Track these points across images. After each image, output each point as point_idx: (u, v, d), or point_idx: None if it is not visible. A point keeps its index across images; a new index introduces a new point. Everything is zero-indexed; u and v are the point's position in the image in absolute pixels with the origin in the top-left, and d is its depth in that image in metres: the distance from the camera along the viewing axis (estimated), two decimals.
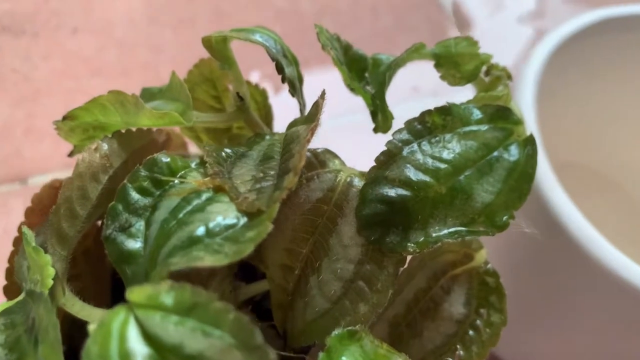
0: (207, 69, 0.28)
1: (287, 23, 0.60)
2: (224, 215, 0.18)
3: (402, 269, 0.23)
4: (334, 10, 0.62)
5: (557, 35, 0.38)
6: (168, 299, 0.16)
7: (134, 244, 0.19)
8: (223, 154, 0.22)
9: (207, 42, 0.25)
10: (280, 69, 0.24)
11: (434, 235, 0.23)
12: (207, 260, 0.17)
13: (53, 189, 0.27)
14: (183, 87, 0.25)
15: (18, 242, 0.27)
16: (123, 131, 0.24)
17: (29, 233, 0.22)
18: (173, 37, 0.59)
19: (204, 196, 0.19)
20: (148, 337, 0.16)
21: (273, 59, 0.24)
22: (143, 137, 0.25)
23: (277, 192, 0.18)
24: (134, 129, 0.25)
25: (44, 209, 0.27)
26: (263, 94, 0.28)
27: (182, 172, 0.20)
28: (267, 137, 0.24)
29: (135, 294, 0.16)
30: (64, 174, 0.52)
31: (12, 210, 0.50)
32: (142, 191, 0.20)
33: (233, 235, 0.18)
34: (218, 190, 0.20)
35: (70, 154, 0.28)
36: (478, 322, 0.26)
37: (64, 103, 0.55)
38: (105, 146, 0.24)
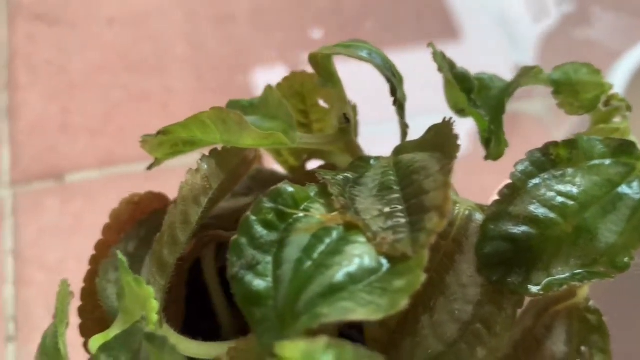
0: (298, 82, 0.26)
1: (328, 22, 0.58)
2: (364, 258, 0.17)
3: (519, 311, 0.22)
4: (376, 10, 0.61)
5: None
6: (327, 358, 0.14)
7: (263, 284, 0.17)
8: (341, 180, 0.20)
9: (313, 59, 0.23)
10: (394, 91, 0.22)
11: (557, 277, 0.21)
12: (359, 313, 0.15)
13: (132, 205, 0.26)
14: (283, 105, 0.23)
15: (96, 261, 0.25)
16: (219, 149, 0.23)
17: (124, 260, 0.20)
18: (212, 33, 0.57)
19: (335, 234, 0.18)
20: None
21: (387, 80, 0.22)
22: (238, 155, 0.24)
23: (423, 235, 0.17)
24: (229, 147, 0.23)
25: (122, 226, 0.26)
26: (355, 114, 0.27)
27: (305, 203, 0.19)
28: (372, 161, 0.23)
29: (289, 350, 0.15)
30: (101, 172, 0.50)
31: (47, 208, 0.48)
32: (267, 225, 0.18)
33: (379, 284, 0.16)
34: (348, 226, 0.18)
35: (150, 167, 0.26)
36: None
37: (100, 98, 0.53)
38: (205, 167, 0.22)
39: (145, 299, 0.19)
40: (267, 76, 0.55)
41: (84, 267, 0.49)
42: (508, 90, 0.24)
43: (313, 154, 0.29)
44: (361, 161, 0.23)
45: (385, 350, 0.22)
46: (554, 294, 0.25)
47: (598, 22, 0.62)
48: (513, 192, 0.21)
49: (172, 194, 0.25)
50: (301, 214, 0.19)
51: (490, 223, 0.21)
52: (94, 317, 0.25)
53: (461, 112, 0.24)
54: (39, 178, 0.49)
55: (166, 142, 0.24)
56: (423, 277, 0.16)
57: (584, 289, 0.26)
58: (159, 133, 0.23)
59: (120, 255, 0.21)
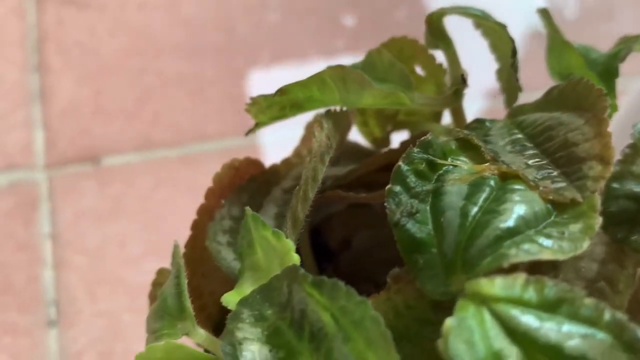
0: (396, 48, 0.26)
1: (361, 8, 0.58)
2: (532, 204, 0.17)
3: None
4: None
5: None
6: (528, 293, 0.14)
7: (424, 231, 0.17)
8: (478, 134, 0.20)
9: (428, 20, 0.23)
10: (514, 51, 0.22)
11: None
12: (545, 253, 0.15)
13: (232, 169, 0.25)
14: (397, 66, 0.23)
15: (198, 226, 0.25)
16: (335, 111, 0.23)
17: (257, 215, 0.20)
18: (243, 18, 0.56)
19: (493, 182, 0.18)
20: (513, 334, 0.14)
21: (509, 39, 0.22)
22: (348, 119, 0.24)
23: (590, 181, 0.17)
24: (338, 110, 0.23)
25: (223, 191, 0.25)
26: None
27: (452, 156, 0.19)
28: (487, 123, 0.23)
29: (486, 286, 0.15)
30: (138, 155, 0.49)
31: (84, 192, 0.47)
32: (419, 174, 0.18)
33: (554, 228, 0.16)
34: (503, 176, 0.18)
35: (250, 132, 0.26)
36: None
37: (133, 82, 0.52)
38: (327, 125, 0.22)
39: (285, 252, 0.19)
40: (299, 61, 0.55)
41: (125, 250, 0.48)
42: (618, 54, 0.24)
43: (398, 125, 0.29)
44: (477, 123, 0.23)
45: None
46: None
47: (620, 15, 0.64)
48: (635, 151, 0.22)
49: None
50: (451, 166, 0.18)
51: (615, 182, 0.21)
52: (194, 284, 0.24)
53: (567, 78, 0.25)
54: (74, 161, 0.48)
55: (276, 104, 0.23)
56: (599, 221, 0.16)
57: None
58: (277, 93, 0.22)
59: (251, 212, 0.20)
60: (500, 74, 0.25)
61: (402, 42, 0.26)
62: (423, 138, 0.19)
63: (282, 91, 0.22)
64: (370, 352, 0.15)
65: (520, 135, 0.21)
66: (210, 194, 0.25)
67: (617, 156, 0.22)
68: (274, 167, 0.26)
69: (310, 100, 0.23)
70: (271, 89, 0.23)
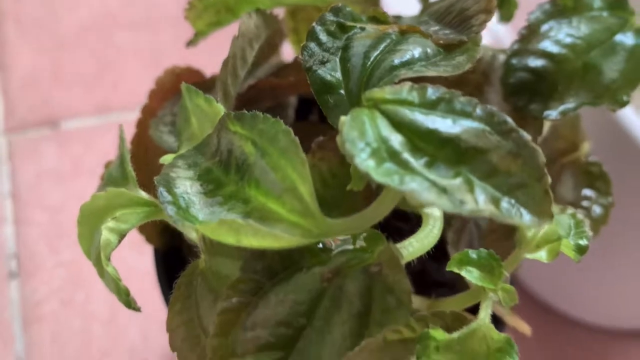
0: None
1: None
2: (425, 46, 0.19)
3: (539, 138, 0.25)
4: None
5: None
6: (412, 95, 0.17)
7: (333, 77, 0.19)
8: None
9: None
10: None
11: (569, 105, 0.24)
12: (430, 72, 0.18)
13: (174, 75, 0.27)
14: None
15: (141, 124, 0.27)
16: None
17: (192, 87, 0.22)
18: None
19: (394, 35, 0.20)
20: (398, 125, 0.16)
21: None
22: (275, 23, 0.26)
23: (475, 27, 0.19)
24: (268, 12, 0.26)
25: (166, 94, 0.27)
26: None
27: (360, 22, 0.21)
28: (402, 17, 0.25)
29: (378, 93, 0.17)
30: (97, 119, 0.51)
31: (44, 154, 0.48)
32: (331, 34, 0.20)
33: (443, 60, 0.19)
34: (403, 31, 0.20)
35: (190, 43, 0.28)
36: (586, 203, 0.28)
37: (92, 56, 0.54)
38: (255, 17, 0.24)
39: (215, 115, 0.21)
40: None
41: None
42: None
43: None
44: (395, 17, 0.25)
45: None
46: (559, 147, 0.28)
47: None
48: (530, 32, 0.25)
49: None
50: (358, 29, 0.21)
51: (513, 58, 0.24)
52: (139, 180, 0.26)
53: None
54: (34, 126, 0.50)
55: (211, 7, 0.26)
56: (480, 52, 0.19)
57: (585, 145, 0.29)
58: None
59: (187, 85, 0.22)
60: None
61: None
62: (334, 5, 0.21)
63: None
64: (282, 160, 0.17)
65: (426, 18, 0.24)
66: (152, 95, 0.27)
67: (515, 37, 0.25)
68: (215, 76, 0.28)
69: (241, 2, 0.25)
70: None
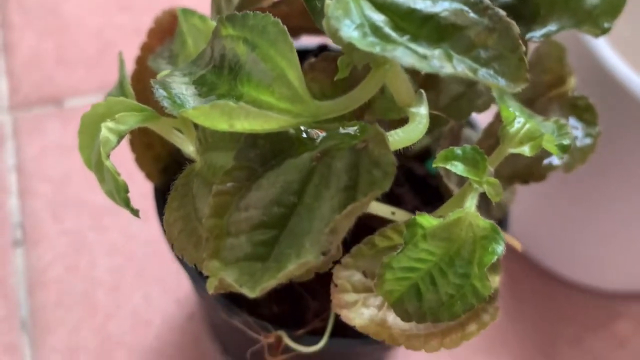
0: None
1: None
2: None
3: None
4: None
5: None
6: None
7: None
8: None
9: None
10: None
11: (552, 28, 0.25)
12: None
13: (172, 16, 0.28)
14: None
15: (141, 61, 0.28)
16: None
17: (188, 9, 0.23)
18: None
19: None
20: (381, 7, 0.17)
21: None
22: None
23: None
24: None
25: (163, 32, 0.28)
26: None
27: None
28: None
29: None
30: (100, 96, 0.52)
31: (47, 130, 0.49)
32: None
33: None
34: None
35: None
36: (576, 133, 0.28)
37: (95, 36, 0.55)
38: None
39: (210, 31, 0.22)
40: None
41: (89, 178, 0.50)
42: None
43: None
44: None
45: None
46: (546, 80, 0.29)
47: None
48: None
49: None
50: None
51: None
52: None
53: None
54: (38, 104, 0.51)
55: None
56: None
57: (572, 79, 0.30)
58: None
59: (182, 9, 0.23)
60: None
61: None
62: None
63: None
64: (272, 50, 0.18)
65: None
66: (151, 33, 0.28)
67: None
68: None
69: None
70: None
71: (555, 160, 0.28)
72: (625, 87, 0.34)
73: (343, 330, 0.25)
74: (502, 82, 0.16)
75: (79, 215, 0.46)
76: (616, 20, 0.27)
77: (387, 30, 0.17)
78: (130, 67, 0.30)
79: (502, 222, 0.30)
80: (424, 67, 0.16)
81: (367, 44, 0.16)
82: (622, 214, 0.41)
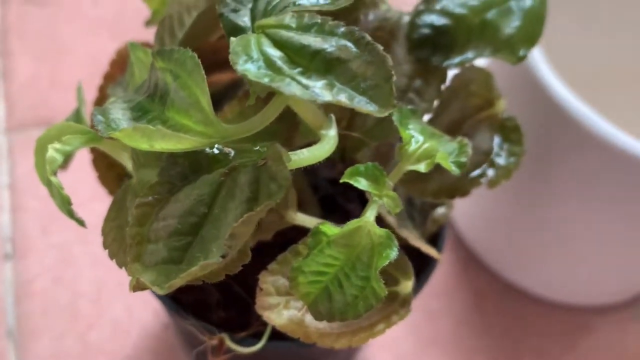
0: None
1: None
2: None
3: (443, 87, 0.28)
4: None
5: None
6: (291, 21, 0.20)
7: (243, 21, 0.23)
8: None
9: None
10: None
11: (467, 56, 0.28)
12: (313, 8, 0.21)
13: None
14: None
15: (102, 90, 0.31)
16: None
17: (135, 44, 0.26)
18: None
19: None
20: (278, 44, 0.20)
21: None
22: None
23: None
24: None
25: (124, 63, 0.31)
26: None
27: None
28: None
29: (264, 21, 0.21)
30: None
31: None
32: None
33: (329, 2, 0.22)
34: None
35: (149, 22, 0.32)
36: (502, 153, 0.31)
37: (88, 62, 0.59)
38: None
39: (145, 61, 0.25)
40: None
41: (76, 195, 0.53)
42: None
43: None
44: None
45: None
46: (473, 103, 0.32)
47: None
48: None
49: None
50: None
51: (417, 17, 0.28)
52: None
53: None
54: (32, 126, 0.54)
55: None
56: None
57: (500, 102, 0.32)
58: None
59: (133, 43, 0.26)
60: None
61: None
62: None
63: None
64: (189, 80, 0.21)
65: None
66: (113, 64, 0.31)
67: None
68: None
69: None
70: None
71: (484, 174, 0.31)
72: (560, 106, 0.36)
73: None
74: (374, 108, 0.18)
75: (66, 230, 0.49)
76: (533, 48, 0.29)
77: (280, 64, 0.19)
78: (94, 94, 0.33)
79: (439, 234, 0.32)
80: (304, 96, 0.18)
81: (257, 75, 0.19)
82: (574, 233, 0.43)
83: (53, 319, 0.45)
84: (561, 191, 0.40)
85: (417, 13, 0.28)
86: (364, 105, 0.18)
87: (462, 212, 0.50)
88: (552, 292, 0.49)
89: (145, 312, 0.46)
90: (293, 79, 0.19)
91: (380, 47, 0.19)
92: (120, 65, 0.31)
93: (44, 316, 0.45)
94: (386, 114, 0.18)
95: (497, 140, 0.31)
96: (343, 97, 0.18)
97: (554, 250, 0.46)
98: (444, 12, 0.28)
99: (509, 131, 0.31)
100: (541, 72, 0.37)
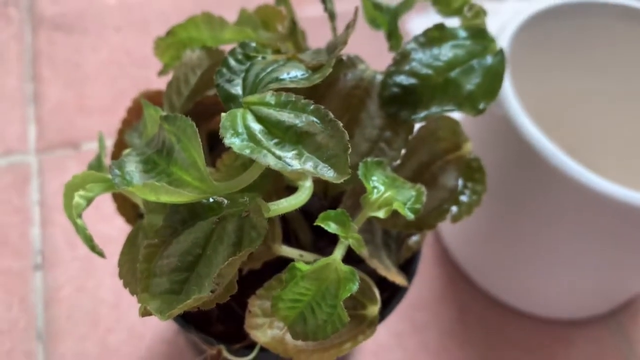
0: (263, 13, 0.37)
1: None
2: (298, 69, 0.28)
3: (410, 137, 0.33)
4: None
5: (524, 15, 0.48)
6: (271, 99, 0.25)
7: (236, 90, 0.28)
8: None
9: None
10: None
11: (432, 111, 0.32)
12: (290, 84, 0.26)
13: (148, 97, 0.36)
14: (252, 16, 0.34)
15: (120, 134, 0.36)
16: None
17: (147, 102, 0.31)
18: None
19: (282, 61, 0.29)
20: (260, 119, 0.24)
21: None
22: (218, 56, 0.35)
23: (334, 54, 0.28)
24: (213, 48, 0.34)
25: (139, 111, 0.36)
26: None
27: (263, 53, 0.30)
28: (309, 50, 0.34)
29: (250, 98, 0.25)
30: (112, 142, 0.60)
31: (66, 170, 0.58)
32: (238, 61, 0.29)
33: (305, 79, 0.27)
34: (290, 58, 0.29)
35: (161, 73, 0.37)
36: (466, 191, 0.35)
37: (110, 87, 0.64)
38: (198, 51, 0.33)
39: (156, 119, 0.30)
40: None
41: (99, 211, 0.58)
42: (406, 6, 0.35)
43: None
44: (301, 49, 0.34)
45: None
46: (441, 147, 0.36)
47: None
48: (402, 58, 0.33)
49: None
50: (260, 57, 0.29)
51: (388, 77, 0.32)
52: None
53: (374, 23, 0.36)
54: (59, 147, 0.60)
55: (172, 45, 0.35)
56: (329, 70, 0.27)
57: (468, 144, 0.36)
58: (167, 34, 0.34)
59: (144, 100, 0.31)
60: None
61: (266, 9, 0.38)
62: (242, 41, 0.30)
63: (170, 32, 0.34)
64: (189, 144, 0.26)
65: (316, 49, 0.32)
66: (130, 111, 0.36)
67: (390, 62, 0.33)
68: None
69: (191, 39, 0.34)
70: None
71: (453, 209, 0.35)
72: (530, 146, 0.40)
73: None
74: (332, 174, 0.23)
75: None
76: (492, 102, 0.33)
77: (260, 137, 0.24)
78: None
79: (412, 260, 0.37)
80: (277, 166, 0.23)
81: (240, 147, 0.23)
82: (550, 254, 0.47)
83: (76, 324, 0.51)
84: (533, 221, 0.44)
85: (388, 74, 0.32)
86: (325, 172, 0.23)
87: (449, 230, 0.55)
88: (533, 306, 0.53)
89: (159, 321, 0.51)
90: (269, 150, 0.23)
91: (340, 123, 0.24)
92: (136, 112, 0.36)
93: (69, 321, 0.51)
94: (342, 180, 0.23)
95: (460, 181, 0.35)
96: (309, 166, 0.23)
97: (534, 268, 0.50)
98: (411, 73, 0.32)
99: (474, 171, 0.36)
100: (513, 113, 0.41)
